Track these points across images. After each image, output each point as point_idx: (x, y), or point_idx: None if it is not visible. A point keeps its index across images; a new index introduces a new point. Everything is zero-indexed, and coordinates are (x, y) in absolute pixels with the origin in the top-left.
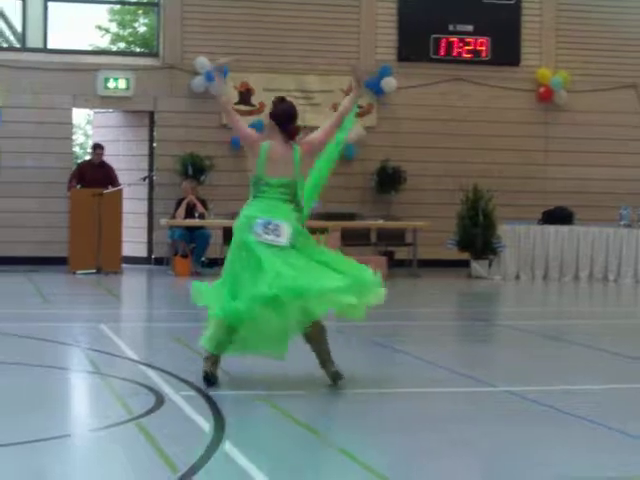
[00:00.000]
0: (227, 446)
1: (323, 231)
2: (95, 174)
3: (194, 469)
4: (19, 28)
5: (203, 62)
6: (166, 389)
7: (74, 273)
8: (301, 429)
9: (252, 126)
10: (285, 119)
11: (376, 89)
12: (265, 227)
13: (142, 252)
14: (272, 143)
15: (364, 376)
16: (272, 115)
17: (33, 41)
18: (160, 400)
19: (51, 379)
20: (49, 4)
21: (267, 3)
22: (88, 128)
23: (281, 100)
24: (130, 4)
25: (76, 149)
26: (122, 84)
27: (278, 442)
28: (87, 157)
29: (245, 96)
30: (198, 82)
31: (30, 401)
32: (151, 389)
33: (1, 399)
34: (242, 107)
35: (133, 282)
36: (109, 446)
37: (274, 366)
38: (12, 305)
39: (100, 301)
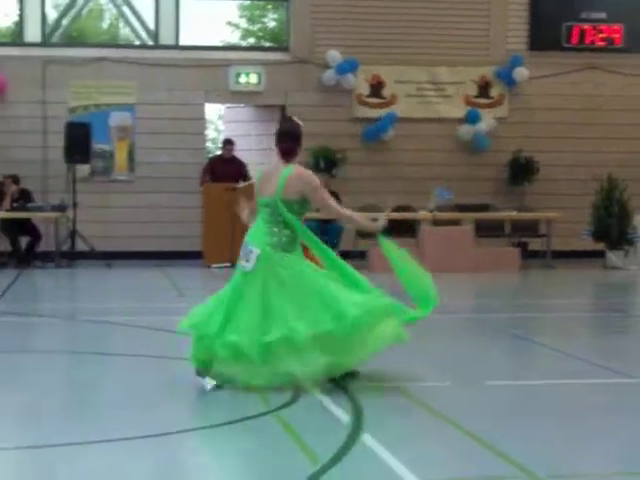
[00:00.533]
0: (366, 437)
1: (455, 222)
2: (226, 169)
3: (334, 460)
4: (152, 26)
5: (334, 55)
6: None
7: (209, 267)
8: (436, 419)
9: (384, 118)
10: (280, 137)
11: (508, 79)
12: (244, 251)
13: None
14: (271, 163)
15: (500, 367)
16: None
17: (166, 38)
18: (298, 392)
19: (186, 372)
20: (181, 1)
21: None
22: (219, 123)
23: (286, 119)
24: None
25: (208, 144)
26: (253, 79)
27: (415, 432)
28: (218, 152)
29: (376, 89)
30: (329, 75)
31: (168, 394)
32: None
33: (138, 392)
34: (373, 99)
35: None
36: (248, 438)
37: (403, 358)
38: (149, 299)
39: None
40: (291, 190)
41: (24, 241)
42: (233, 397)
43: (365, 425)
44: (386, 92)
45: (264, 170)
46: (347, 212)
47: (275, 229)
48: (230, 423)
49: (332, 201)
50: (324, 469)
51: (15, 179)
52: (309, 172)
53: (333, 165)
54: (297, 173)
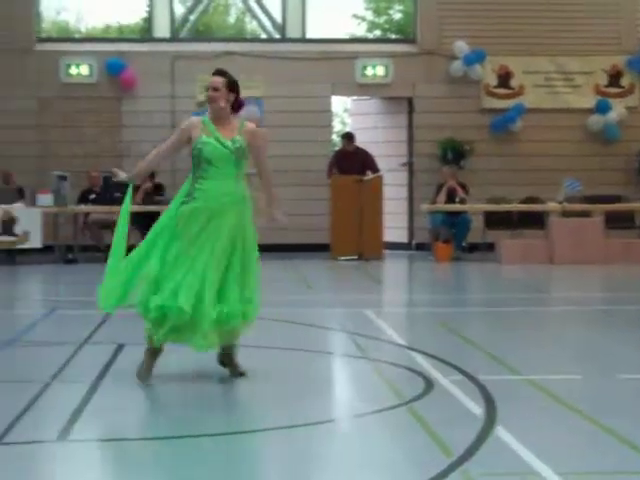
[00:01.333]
0: (499, 430)
1: (585, 214)
2: (351, 161)
3: (469, 453)
4: (279, 19)
5: (461, 46)
6: (435, 374)
7: (336, 259)
8: (570, 412)
9: (512, 109)
10: None
11: (639, 68)
12: None
13: (403, 238)
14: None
15: (633, 360)
16: None
17: (292, 31)
18: (430, 384)
19: (319, 364)
20: None
21: None
22: (345, 116)
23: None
24: None
25: (334, 137)
26: (380, 71)
27: (549, 425)
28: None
29: (504, 79)
30: (456, 66)
31: (300, 386)
32: (420, 374)
33: (270, 384)
34: (501, 90)
35: (395, 268)
36: (382, 430)
37: (534, 351)
38: (278, 291)
39: (363, 287)
40: None
41: None
42: (368, 389)
43: (498, 417)
44: (514, 83)
45: None
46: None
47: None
48: (364, 415)
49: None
50: (459, 461)
51: (151, 175)
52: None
53: (461, 157)
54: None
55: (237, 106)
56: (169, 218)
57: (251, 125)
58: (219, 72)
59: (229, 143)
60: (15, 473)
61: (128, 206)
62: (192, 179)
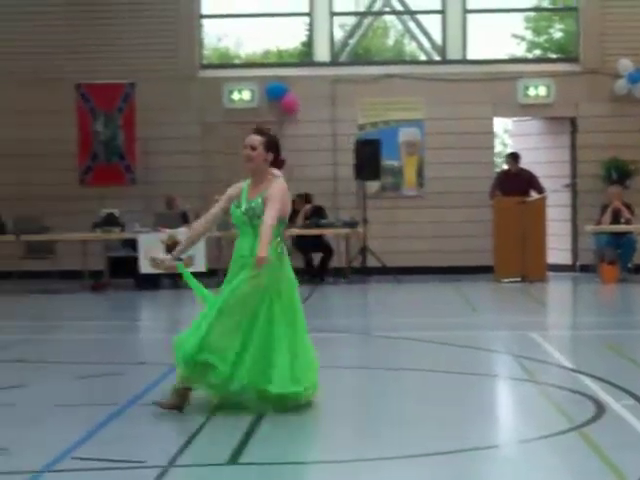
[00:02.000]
0: None
1: None
2: (514, 182)
3: None
4: (439, 40)
5: (625, 64)
6: (605, 397)
7: (499, 281)
8: None
9: None
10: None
11: None
12: None
13: (566, 260)
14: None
15: None
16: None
17: (452, 52)
18: (601, 409)
19: (484, 387)
20: (468, 16)
21: None
22: (505, 137)
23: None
24: (547, 10)
25: (495, 158)
26: (542, 91)
27: None
28: (504, 166)
29: None
30: (620, 85)
31: (468, 410)
32: (590, 397)
33: (435, 407)
34: None
35: (559, 290)
36: (550, 455)
37: None
38: (442, 314)
39: (527, 309)
40: None
41: (317, 257)
42: (536, 413)
43: None
44: None
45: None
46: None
47: None
48: (532, 440)
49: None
50: None
51: (307, 198)
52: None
53: (626, 176)
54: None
55: (278, 164)
56: None
57: (277, 182)
58: (258, 131)
59: (244, 205)
60: None
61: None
62: None
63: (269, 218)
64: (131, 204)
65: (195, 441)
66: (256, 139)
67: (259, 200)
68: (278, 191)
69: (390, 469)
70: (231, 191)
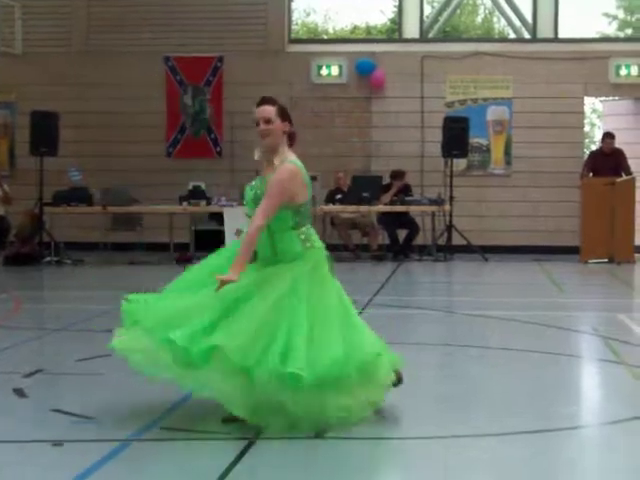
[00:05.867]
0: None
1: None
2: (606, 163)
3: None
4: (529, 19)
5: None
6: None
7: (586, 262)
8: None
9: None
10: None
11: None
12: None
13: None
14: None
15: None
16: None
17: (544, 31)
18: None
19: (574, 368)
20: None
21: None
22: (593, 117)
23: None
24: None
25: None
26: (634, 71)
27: None
28: (593, 147)
29: None
30: None
31: (555, 390)
32: None
33: (524, 387)
34: None
35: None
36: (636, 437)
37: None
38: (530, 294)
39: (615, 291)
40: None
41: (402, 234)
42: (625, 394)
43: None
44: None
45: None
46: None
47: None
48: (621, 421)
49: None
50: None
51: (400, 175)
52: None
53: None
54: None
55: (292, 138)
56: None
57: (283, 168)
58: (267, 100)
59: (253, 183)
60: (273, 469)
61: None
62: None
63: (257, 219)
64: (218, 177)
65: None
66: (269, 110)
67: (265, 181)
68: (279, 180)
69: (479, 447)
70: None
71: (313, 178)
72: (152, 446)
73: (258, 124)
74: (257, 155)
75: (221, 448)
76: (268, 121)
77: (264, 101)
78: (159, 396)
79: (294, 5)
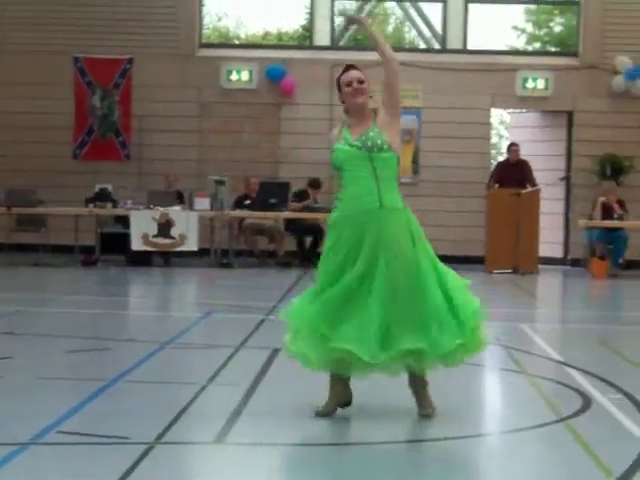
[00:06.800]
0: None
1: None
2: (512, 174)
3: (629, 474)
4: (439, 30)
5: (624, 61)
6: (592, 391)
7: (490, 272)
8: None
9: None
10: None
11: None
12: None
13: (558, 253)
14: None
15: None
16: None
17: (453, 42)
18: (587, 402)
19: (476, 378)
20: (469, 5)
21: None
22: (500, 128)
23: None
24: (548, 3)
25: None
26: (541, 84)
27: None
28: (500, 158)
29: None
30: (618, 81)
31: (456, 399)
32: (577, 390)
33: (431, 397)
34: None
35: (550, 283)
36: (537, 445)
37: None
38: None
39: (518, 301)
40: None
41: (309, 241)
42: (524, 404)
43: None
44: None
45: None
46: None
47: None
48: (521, 430)
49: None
50: None
51: (318, 183)
52: None
53: (620, 172)
54: None
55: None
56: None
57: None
58: (353, 66)
59: (359, 140)
60: (171, 473)
61: None
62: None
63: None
64: (125, 180)
65: (182, 418)
66: (359, 73)
67: (375, 130)
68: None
69: (380, 453)
70: (330, 137)
71: (221, 183)
72: (50, 450)
73: (350, 84)
74: (336, 130)
75: (120, 452)
76: (362, 82)
77: (352, 67)
78: (58, 400)
79: (206, 9)
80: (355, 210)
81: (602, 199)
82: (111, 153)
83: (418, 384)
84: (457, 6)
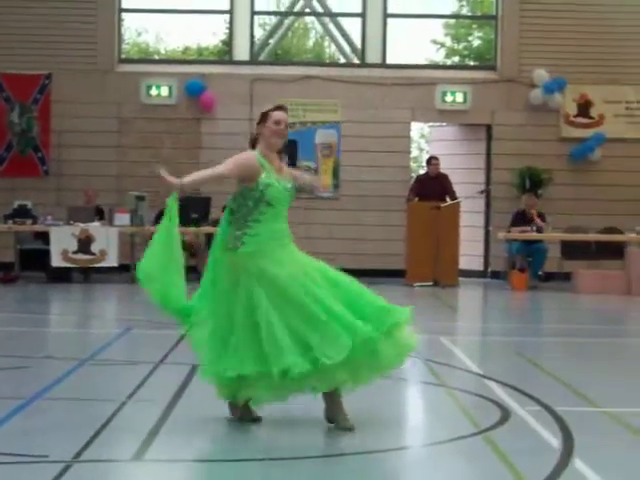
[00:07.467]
0: (577, 463)
1: None
2: (432, 187)
3: None
4: (358, 44)
5: (541, 74)
6: (511, 403)
7: (411, 285)
8: None
9: (591, 138)
10: None
11: None
12: None
13: (478, 265)
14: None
15: None
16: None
17: (372, 56)
18: (506, 414)
19: (395, 391)
20: (388, 20)
21: (605, 13)
22: (421, 142)
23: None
24: (466, 17)
25: (411, 163)
26: (459, 98)
27: (627, 459)
28: (421, 171)
29: (584, 108)
30: (536, 95)
31: (375, 412)
32: (496, 403)
33: (347, 410)
34: (581, 119)
35: (470, 295)
36: (455, 458)
37: (610, 382)
38: None
39: (438, 313)
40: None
41: None
42: (443, 416)
43: (575, 449)
44: (594, 112)
45: None
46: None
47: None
48: (440, 443)
49: (220, 166)
50: None
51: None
52: (244, 152)
53: (539, 185)
54: None
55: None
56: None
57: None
58: (284, 108)
59: (284, 182)
60: None
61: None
62: (239, 222)
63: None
64: (44, 197)
65: (101, 436)
66: (286, 116)
67: (288, 173)
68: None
69: (298, 469)
70: (252, 164)
71: (141, 198)
72: None
73: (279, 123)
74: (253, 158)
75: (39, 470)
76: (286, 126)
77: (283, 108)
78: None
79: (125, 24)
80: (273, 245)
81: (529, 211)
82: (30, 169)
83: (332, 397)
84: (376, 21)
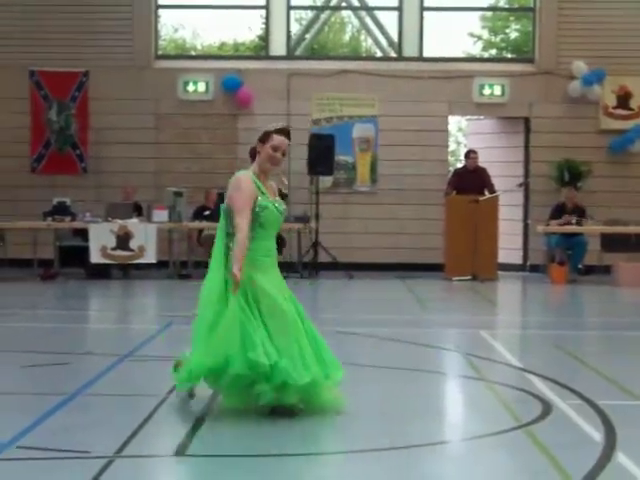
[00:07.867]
0: (620, 457)
1: None
2: (470, 181)
3: (589, 478)
4: (395, 38)
5: (580, 66)
6: (552, 397)
7: (450, 279)
8: None
9: (631, 130)
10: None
11: None
12: None
13: (517, 259)
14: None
15: None
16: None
17: (409, 50)
18: (547, 408)
19: (435, 385)
20: (425, 13)
21: None
22: (458, 135)
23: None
24: (503, 10)
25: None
26: (497, 90)
27: None
28: (459, 165)
29: (623, 100)
30: (574, 87)
31: (415, 406)
32: (537, 396)
33: (386, 404)
34: (620, 111)
35: (509, 289)
36: (497, 452)
37: None
38: (392, 311)
39: (477, 307)
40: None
41: None
42: (484, 410)
43: (618, 443)
44: (634, 103)
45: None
46: (240, 238)
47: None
48: (481, 437)
49: (243, 213)
50: None
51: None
52: (241, 175)
53: (578, 178)
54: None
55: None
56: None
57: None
58: (286, 132)
59: (276, 204)
60: None
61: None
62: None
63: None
64: (83, 194)
65: (142, 431)
66: (286, 142)
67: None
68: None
69: (337, 465)
70: (249, 192)
71: (179, 194)
72: (9, 465)
73: (277, 150)
74: (247, 178)
75: (80, 466)
76: (284, 152)
77: (287, 133)
78: (17, 415)
79: (162, 21)
80: (266, 260)
81: (568, 204)
82: (69, 166)
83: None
84: (413, 14)
